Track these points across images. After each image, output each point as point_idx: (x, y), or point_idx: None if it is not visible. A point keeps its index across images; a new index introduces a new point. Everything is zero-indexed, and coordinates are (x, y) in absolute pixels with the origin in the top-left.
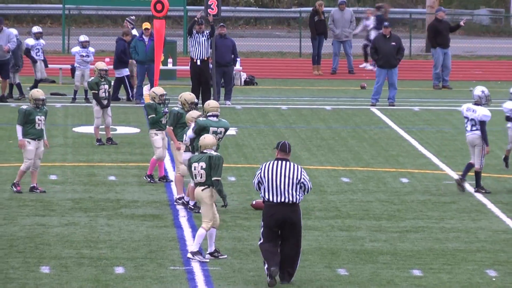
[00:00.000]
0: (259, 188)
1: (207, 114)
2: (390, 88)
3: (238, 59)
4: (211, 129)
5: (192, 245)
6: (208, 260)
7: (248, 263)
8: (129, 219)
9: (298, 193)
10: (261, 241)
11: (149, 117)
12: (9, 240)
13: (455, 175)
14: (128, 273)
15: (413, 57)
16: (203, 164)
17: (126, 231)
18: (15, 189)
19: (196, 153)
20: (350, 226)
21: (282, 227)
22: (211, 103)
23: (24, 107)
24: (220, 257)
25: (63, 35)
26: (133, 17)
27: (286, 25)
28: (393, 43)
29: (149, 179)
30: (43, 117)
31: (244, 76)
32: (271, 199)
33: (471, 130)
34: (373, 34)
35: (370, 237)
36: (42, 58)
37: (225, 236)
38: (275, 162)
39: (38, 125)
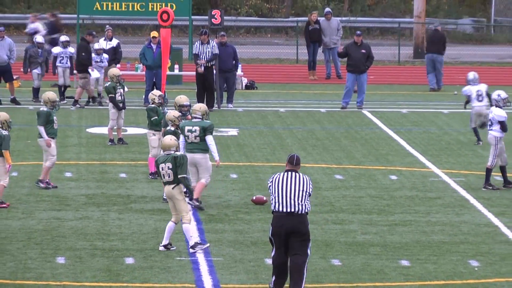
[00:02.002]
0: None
1: (193, 115)
2: (359, 92)
3: (240, 65)
4: (186, 128)
5: (190, 241)
6: (208, 244)
7: (249, 254)
8: (138, 213)
9: (306, 203)
10: (273, 252)
11: (152, 119)
12: (27, 233)
13: (440, 173)
14: (138, 263)
15: (402, 63)
16: (170, 165)
17: (135, 225)
18: (50, 186)
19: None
20: (343, 220)
21: (290, 237)
22: (196, 106)
23: (44, 109)
24: (171, 248)
25: (77, 43)
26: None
27: (284, 33)
28: (363, 51)
29: (151, 176)
30: (55, 118)
31: (245, 81)
32: (280, 209)
33: (489, 130)
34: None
35: (361, 230)
36: (68, 65)
37: (228, 229)
38: (284, 173)
39: (55, 125)
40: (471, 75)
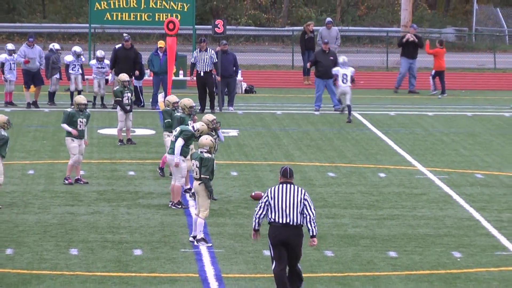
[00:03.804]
0: (260, 214)
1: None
2: (332, 96)
3: (240, 71)
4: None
5: (197, 234)
6: (211, 244)
7: (248, 246)
8: (146, 208)
9: (301, 215)
10: (273, 265)
11: (165, 121)
12: (43, 226)
13: (426, 171)
14: (145, 254)
15: (390, 69)
16: (197, 163)
17: (143, 219)
18: (66, 182)
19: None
20: (335, 214)
21: (287, 248)
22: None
23: (69, 110)
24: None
25: (89, 51)
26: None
27: (280, 42)
28: (331, 58)
29: (159, 171)
30: (84, 120)
31: (244, 85)
32: (276, 219)
33: None
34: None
35: (352, 223)
36: (80, 72)
37: (228, 223)
38: (280, 185)
39: (80, 126)
40: (341, 59)
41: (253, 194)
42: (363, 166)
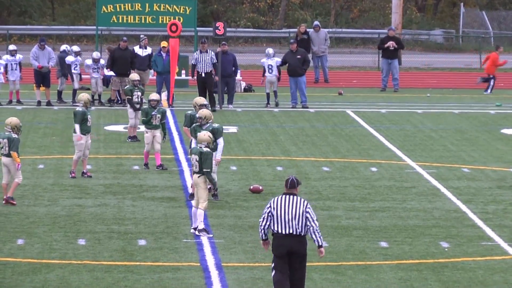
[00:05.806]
0: (265, 225)
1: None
2: (300, 95)
3: (239, 71)
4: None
5: (199, 224)
6: (212, 235)
7: (247, 236)
8: (150, 201)
9: (304, 225)
10: (273, 272)
11: (141, 119)
12: (52, 218)
13: (415, 165)
14: (149, 244)
15: (381, 69)
16: (196, 157)
17: (147, 211)
18: (70, 175)
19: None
20: (330, 207)
21: (289, 257)
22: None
23: (79, 109)
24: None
25: (96, 51)
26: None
27: (277, 43)
28: (299, 56)
29: (144, 167)
30: (90, 116)
31: (243, 84)
32: (279, 230)
33: None
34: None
35: (345, 215)
36: (79, 72)
37: (228, 215)
38: (283, 196)
39: (89, 122)
40: (268, 51)
41: (251, 187)
42: (356, 161)
